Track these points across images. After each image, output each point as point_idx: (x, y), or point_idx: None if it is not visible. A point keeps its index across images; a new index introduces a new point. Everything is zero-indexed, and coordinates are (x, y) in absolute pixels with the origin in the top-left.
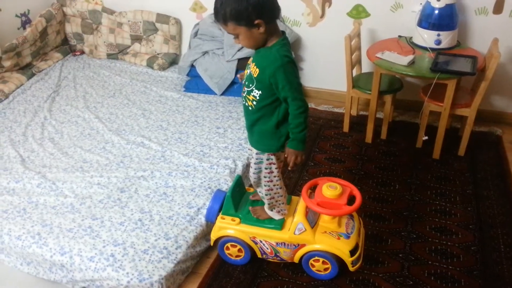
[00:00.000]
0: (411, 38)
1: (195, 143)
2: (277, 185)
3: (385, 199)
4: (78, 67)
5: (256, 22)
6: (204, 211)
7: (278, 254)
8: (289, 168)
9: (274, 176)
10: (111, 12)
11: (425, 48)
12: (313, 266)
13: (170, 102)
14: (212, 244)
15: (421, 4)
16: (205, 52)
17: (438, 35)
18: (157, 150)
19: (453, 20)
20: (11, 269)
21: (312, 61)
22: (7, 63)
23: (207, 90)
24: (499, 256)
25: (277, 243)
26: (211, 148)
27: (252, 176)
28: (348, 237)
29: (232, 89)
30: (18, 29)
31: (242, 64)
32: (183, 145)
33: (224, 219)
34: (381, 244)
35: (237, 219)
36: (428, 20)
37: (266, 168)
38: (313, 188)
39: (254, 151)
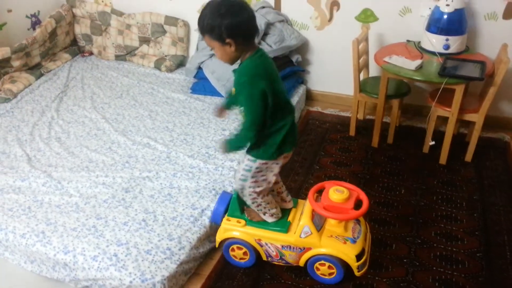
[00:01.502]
0: (419, 42)
1: (201, 145)
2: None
3: (391, 203)
4: (86, 68)
5: (227, 41)
6: (208, 213)
7: (283, 257)
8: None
9: (258, 187)
10: (120, 14)
11: (433, 53)
12: (318, 270)
13: (177, 104)
14: (217, 245)
15: (430, 8)
16: (213, 55)
17: (447, 39)
18: (162, 151)
19: (462, 25)
20: (14, 267)
21: (319, 64)
22: (16, 63)
23: (214, 92)
24: (505, 263)
25: (282, 246)
26: (216, 150)
27: (237, 183)
28: (354, 241)
29: None
30: (28, 29)
31: None
32: (188, 147)
33: (229, 220)
34: (386, 249)
35: (243, 221)
36: (437, 25)
37: (252, 177)
38: (320, 192)
39: (246, 158)
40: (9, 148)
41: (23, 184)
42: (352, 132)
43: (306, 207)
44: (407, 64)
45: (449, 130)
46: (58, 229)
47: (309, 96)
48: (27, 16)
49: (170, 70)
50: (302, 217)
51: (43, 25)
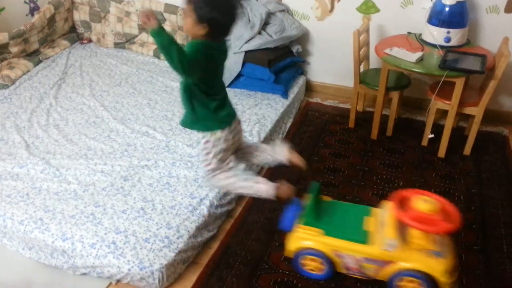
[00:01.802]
0: (420, 35)
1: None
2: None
3: (389, 196)
4: (85, 55)
5: (203, 25)
6: (207, 202)
7: (363, 269)
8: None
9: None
10: (119, 1)
11: (434, 45)
12: (402, 286)
13: (176, 93)
14: (288, 255)
15: (431, 0)
16: None
17: (448, 32)
18: (161, 140)
19: (464, 18)
20: (13, 253)
21: (319, 55)
22: (14, 49)
23: None
24: (502, 256)
25: (363, 258)
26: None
27: (207, 177)
28: (443, 256)
29: (238, 81)
30: (26, 15)
31: (249, 56)
32: (187, 136)
33: (304, 229)
34: None
35: (320, 231)
36: (438, 17)
37: (208, 155)
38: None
39: (199, 140)
40: (7, 134)
41: (21, 171)
42: (351, 124)
43: (387, 216)
44: (408, 56)
45: (449, 123)
46: (56, 216)
47: (309, 87)
48: (25, 2)
49: None
50: (385, 228)
51: (41, 11)
